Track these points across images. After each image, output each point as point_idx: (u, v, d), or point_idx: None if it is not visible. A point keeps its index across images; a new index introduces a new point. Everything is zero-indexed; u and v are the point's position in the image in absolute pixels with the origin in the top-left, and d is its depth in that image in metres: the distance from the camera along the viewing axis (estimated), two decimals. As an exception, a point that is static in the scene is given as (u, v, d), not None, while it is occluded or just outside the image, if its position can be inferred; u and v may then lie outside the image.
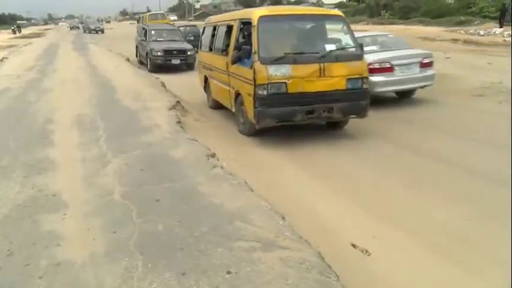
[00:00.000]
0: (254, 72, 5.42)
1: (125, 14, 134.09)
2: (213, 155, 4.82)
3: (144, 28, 15.72)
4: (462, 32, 24.07)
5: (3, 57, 17.94)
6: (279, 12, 6.26)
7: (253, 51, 5.53)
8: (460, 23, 28.08)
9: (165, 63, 13.58)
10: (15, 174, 4.45)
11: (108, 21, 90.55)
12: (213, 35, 7.73)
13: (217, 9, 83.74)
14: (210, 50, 7.76)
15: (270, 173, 4.88)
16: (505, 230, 3.20)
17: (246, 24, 6.15)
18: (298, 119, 5.55)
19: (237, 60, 5.99)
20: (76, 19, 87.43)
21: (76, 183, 4.19)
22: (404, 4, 37.36)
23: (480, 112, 7.25)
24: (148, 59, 13.86)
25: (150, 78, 11.03)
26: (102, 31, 43.63)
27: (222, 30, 7.22)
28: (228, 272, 2.60)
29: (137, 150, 5.10)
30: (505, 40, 19.43)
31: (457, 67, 11.29)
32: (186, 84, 10.70)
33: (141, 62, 15.31)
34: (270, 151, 5.60)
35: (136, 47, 16.32)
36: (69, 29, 58.68)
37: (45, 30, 60.32)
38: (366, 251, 3.15)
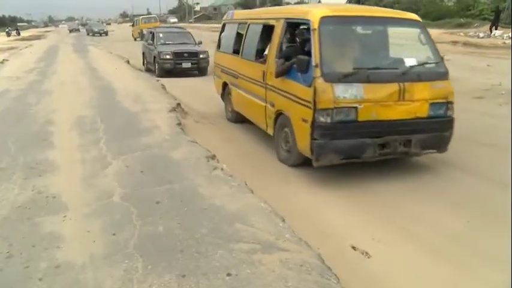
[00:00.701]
0: (315, 92, 4.15)
1: (125, 16, 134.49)
2: (213, 157, 4.81)
3: (151, 32, 14.45)
4: (462, 34, 24.14)
5: (3, 59, 17.97)
6: (345, 13, 4.90)
7: (313, 63, 4.23)
8: (460, 25, 28.16)
9: (175, 67, 12.47)
10: (15, 176, 4.45)
11: (109, 23, 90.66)
12: (239, 35, 6.52)
13: (217, 11, 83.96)
14: (235, 52, 6.52)
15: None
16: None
17: (296, 25, 5.03)
18: (368, 155, 4.33)
19: (284, 72, 4.75)
20: (76, 21, 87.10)
21: (76, 185, 4.19)
22: (405, 6, 37.44)
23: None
24: (156, 64, 12.72)
25: (151, 81, 11.04)
26: (106, 33, 42.83)
27: (255, 30, 5.90)
28: (228, 274, 2.59)
29: (137, 152, 5.10)
30: (504, 42, 19.48)
31: (457, 69, 11.26)
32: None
33: (148, 70, 13.94)
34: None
35: (143, 53, 14.82)
36: (68, 31, 55.39)
37: (46, 32, 60.37)
38: None
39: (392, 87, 4.27)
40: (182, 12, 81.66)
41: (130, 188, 4.02)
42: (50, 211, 3.60)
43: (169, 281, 2.56)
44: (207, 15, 78.23)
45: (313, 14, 4.54)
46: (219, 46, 7.54)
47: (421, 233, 3.48)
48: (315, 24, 4.39)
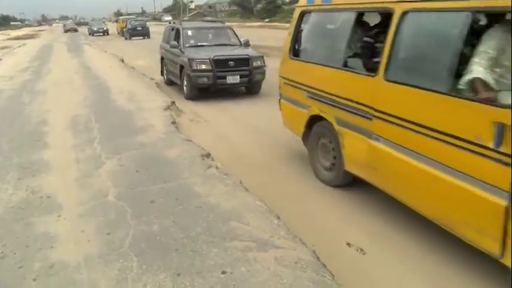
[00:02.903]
0: None
1: (119, 15, 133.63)
2: (208, 155, 4.82)
3: (173, 28, 9.97)
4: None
5: (-4, 59, 17.85)
6: None
7: None
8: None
9: (215, 83, 8.18)
10: (8, 176, 4.43)
11: (103, 22, 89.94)
12: (357, 32, 3.95)
13: (212, 9, 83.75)
14: (349, 66, 3.78)
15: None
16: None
17: None
18: None
19: None
20: (70, 20, 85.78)
21: (70, 185, 4.17)
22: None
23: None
24: (185, 77, 8.50)
25: (145, 79, 11.00)
26: (107, 32, 39.81)
27: (440, 27, 2.91)
28: (223, 272, 2.60)
29: (132, 151, 5.09)
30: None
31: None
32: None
33: (170, 82, 10.13)
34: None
35: (162, 58, 10.61)
36: (64, 31, 48.37)
37: (39, 31, 59.95)
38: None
39: None
40: (177, 10, 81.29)
41: (124, 187, 4.01)
42: (44, 211, 3.58)
43: (164, 280, 2.56)
44: (202, 13, 77.93)
45: None
46: (293, 51, 4.64)
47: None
48: None
